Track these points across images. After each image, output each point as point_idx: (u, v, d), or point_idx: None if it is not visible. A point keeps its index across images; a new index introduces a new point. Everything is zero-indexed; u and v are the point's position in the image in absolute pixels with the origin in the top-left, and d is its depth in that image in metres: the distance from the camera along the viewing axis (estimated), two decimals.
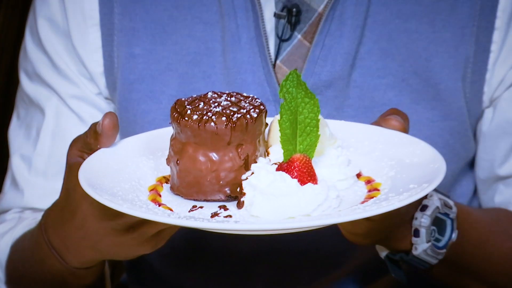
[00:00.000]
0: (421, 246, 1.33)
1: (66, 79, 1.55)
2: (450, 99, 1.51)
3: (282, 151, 1.14)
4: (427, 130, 1.49)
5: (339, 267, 1.57)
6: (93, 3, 1.55)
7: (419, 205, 1.32)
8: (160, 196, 1.17)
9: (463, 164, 1.57)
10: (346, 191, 1.14)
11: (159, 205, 1.13)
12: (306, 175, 1.09)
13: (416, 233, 1.33)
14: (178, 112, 1.15)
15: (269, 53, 1.50)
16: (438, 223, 1.35)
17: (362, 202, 1.13)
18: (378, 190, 1.16)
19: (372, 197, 1.14)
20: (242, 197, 1.11)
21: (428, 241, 1.32)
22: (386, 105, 1.43)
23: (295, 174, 1.09)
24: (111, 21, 1.54)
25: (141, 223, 1.18)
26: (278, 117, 1.17)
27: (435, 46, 1.50)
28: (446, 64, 1.50)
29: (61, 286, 1.41)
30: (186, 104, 1.16)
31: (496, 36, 1.51)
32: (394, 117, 1.26)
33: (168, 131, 1.23)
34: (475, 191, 1.63)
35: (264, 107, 1.18)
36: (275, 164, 1.14)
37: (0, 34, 2.47)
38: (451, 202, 1.35)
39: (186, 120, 1.13)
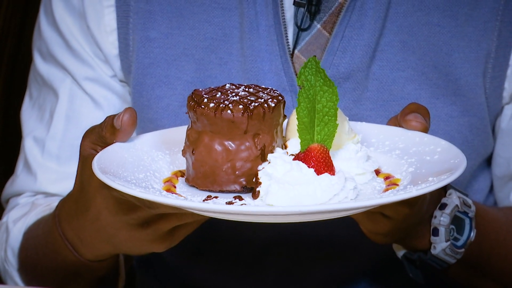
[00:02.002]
0: (440, 245, 1.32)
1: (80, 61, 1.54)
2: (470, 95, 1.49)
3: (300, 140, 1.13)
4: (446, 125, 1.49)
5: (352, 260, 1.56)
6: None
7: (438, 203, 1.31)
8: (175, 187, 1.16)
9: (481, 161, 1.56)
10: (364, 186, 1.13)
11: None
12: (323, 165, 1.08)
13: (435, 232, 1.32)
14: (194, 101, 1.13)
15: (288, 42, 1.48)
16: (457, 222, 1.34)
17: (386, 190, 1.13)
18: (397, 185, 1.15)
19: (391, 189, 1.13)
20: (257, 186, 1.10)
21: (447, 240, 1.31)
22: (405, 98, 1.44)
23: (312, 163, 1.08)
24: (127, 3, 1.52)
25: (156, 219, 1.17)
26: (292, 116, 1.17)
27: (456, 41, 1.49)
28: (467, 59, 1.49)
29: (74, 277, 1.40)
30: (203, 93, 1.15)
31: None
32: (414, 116, 1.24)
33: (185, 129, 1.23)
34: (491, 188, 1.61)
35: (283, 98, 1.16)
36: (292, 155, 1.13)
37: (4, 20, 2.49)
38: (470, 201, 1.34)
39: (202, 108, 1.11)
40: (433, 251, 1.32)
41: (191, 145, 1.14)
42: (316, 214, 1.05)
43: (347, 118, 1.16)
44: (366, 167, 1.14)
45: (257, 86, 1.19)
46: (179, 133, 1.25)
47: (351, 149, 1.15)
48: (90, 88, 1.54)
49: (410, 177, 1.15)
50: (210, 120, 1.11)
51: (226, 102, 1.12)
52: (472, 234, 1.35)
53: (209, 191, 1.14)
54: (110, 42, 1.52)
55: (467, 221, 1.35)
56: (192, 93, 1.16)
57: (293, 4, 1.45)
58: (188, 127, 1.16)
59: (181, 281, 1.63)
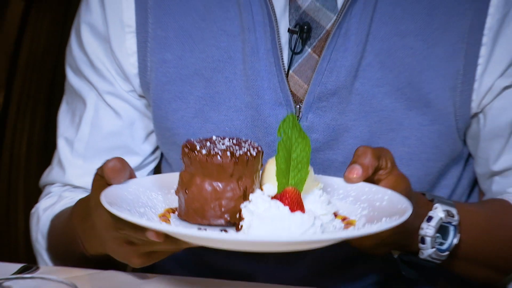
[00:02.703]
0: (426, 252, 1.41)
1: (103, 78, 1.63)
2: (439, 106, 1.56)
3: (276, 185, 1.21)
4: (418, 132, 1.56)
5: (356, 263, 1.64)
6: (130, 14, 1.61)
7: (426, 216, 1.40)
8: (169, 220, 1.25)
9: (448, 161, 1.63)
10: (327, 224, 1.21)
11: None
12: (297, 205, 1.16)
13: (423, 241, 1.41)
14: (189, 148, 1.22)
15: (283, 63, 1.55)
16: (442, 230, 1.43)
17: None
18: (354, 225, 1.24)
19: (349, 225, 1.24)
20: (241, 221, 1.18)
21: (432, 247, 1.40)
22: (383, 110, 1.54)
23: (287, 202, 1.16)
24: (145, 29, 1.60)
25: (137, 241, 1.25)
26: (271, 160, 1.24)
27: (428, 60, 1.56)
28: (437, 76, 1.56)
29: (85, 261, 1.49)
30: (195, 142, 1.24)
31: (483, 51, 1.56)
32: (350, 171, 1.32)
33: (172, 175, 1.32)
34: (457, 181, 1.69)
35: (262, 149, 1.25)
36: (268, 195, 1.20)
37: (47, 34, 2.61)
38: (454, 211, 1.42)
39: (196, 153, 1.20)
40: (421, 256, 1.41)
41: (185, 185, 1.22)
42: (291, 245, 1.15)
43: (312, 168, 1.25)
44: (328, 209, 1.22)
45: (239, 138, 1.28)
46: (168, 178, 1.35)
47: (316, 194, 1.23)
48: (110, 100, 1.64)
49: (365, 219, 1.24)
50: (202, 164, 1.20)
51: (215, 149, 1.21)
52: (455, 240, 1.44)
53: (199, 224, 1.22)
54: (131, 63, 1.61)
55: (451, 228, 1.43)
56: (186, 142, 1.25)
57: (288, 31, 1.54)
58: (181, 170, 1.24)
59: (195, 259, 1.70)
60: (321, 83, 1.52)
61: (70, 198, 1.61)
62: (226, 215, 1.21)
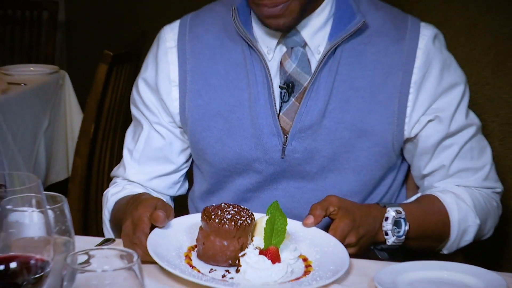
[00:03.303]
0: (390, 240, 1.58)
1: (153, 114, 1.76)
2: (381, 135, 1.66)
3: (263, 242, 1.35)
4: (365, 152, 1.67)
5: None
6: (175, 73, 1.72)
7: (383, 217, 1.57)
8: (191, 259, 1.37)
9: (386, 170, 1.74)
10: (295, 265, 1.36)
11: (191, 266, 1.34)
12: (275, 258, 1.32)
13: (386, 233, 1.58)
14: (206, 216, 1.37)
15: (276, 108, 1.65)
16: (396, 223, 1.58)
17: (306, 272, 1.35)
18: (311, 266, 1.38)
19: (309, 271, 1.36)
20: (239, 267, 1.33)
21: (393, 236, 1.58)
22: (342, 138, 1.65)
23: (269, 257, 1.32)
24: (185, 84, 1.71)
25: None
26: (261, 218, 1.39)
27: (373, 105, 1.65)
28: (379, 115, 1.65)
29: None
30: (210, 210, 1.38)
31: (410, 98, 1.65)
32: (306, 220, 1.48)
33: (192, 217, 1.50)
34: (392, 182, 1.78)
35: (254, 217, 1.40)
36: (258, 248, 1.34)
37: (122, 86, 2.79)
38: (400, 209, 1.59)
39: (211, 221, 1.35)
40: (388, 243, 1.58)
41: (203, 239, 1.37)
42: None
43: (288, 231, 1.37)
44: (294, 254, 1.38)
45: (240, 206, 1.41)
46: (192, 219, 1.49)
47: (288, 244, 1.38)
48: (157, 128, 1.76)
49: (318, 263, 1.38)
50: (215, 229, 1.35)
51: (224, 219, 1.35)
52: (406, 227, 1.58)
53: (211, 265, 1.36)
54: (174, 106, 1.72)
55: (402, 221, 1.58)
56: (204, 209, 1.39)
57: (279, 87, 1.65)
58: (200, 227, 1.38)
59: None
60: (300, 121, 1.64)
61: (129, 190, 1.75)
62: (229, 261, 1.36)
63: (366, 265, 1.46)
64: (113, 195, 1.77)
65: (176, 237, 1.45)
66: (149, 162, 1.79)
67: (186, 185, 1.89)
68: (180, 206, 1.91)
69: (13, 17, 3.84)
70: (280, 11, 1.55)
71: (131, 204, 1.55)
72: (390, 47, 1.65)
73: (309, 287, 1.29)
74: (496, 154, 1.75)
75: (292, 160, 1.68)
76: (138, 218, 1.43)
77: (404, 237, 1.59)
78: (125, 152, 1.83)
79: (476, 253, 1.80)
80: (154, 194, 1.76)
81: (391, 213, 1.58)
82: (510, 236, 2.21)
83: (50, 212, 1.03)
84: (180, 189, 1.86)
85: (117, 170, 1.84)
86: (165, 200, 1.69)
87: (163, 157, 1.79)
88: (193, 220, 1.49)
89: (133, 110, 1.82)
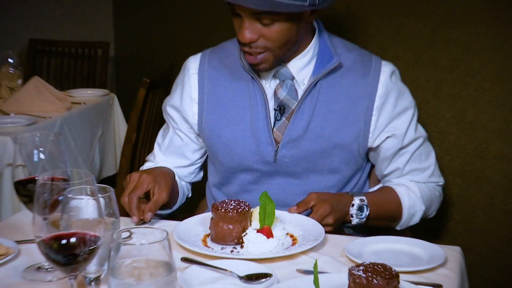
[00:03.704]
0: (354, 221, 1.61)
1: (175, 123, 1.75)
2: (349, 146, 1.65)
3: (259, 223, 1.36)
4: (337, 158, 1.65)
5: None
6: (195, 93, 1.70)
7: (350, 204, 1.59)
8: (206, 243, 1.38)
9: (354, 171, 1.72)
10: (284, 240, 1.35)
11: (207, 246, 1.35)
12: (269, 234, 1.33)
13: (351, 216, 1.60)
14: (215, 208, 1.38)
15: (271, 124, 1.63)
16: (360, 208, 1.60)
17: (293, 243, 1.36)
18: (296, 239, 1.39)
19: (295, 243, 1.37)
20: (243, 243, 1.35)
21: (357, 218, 1.60)
22: (320, 148, 1.63)
23: (264, 233, 1.33)
24: (202, 102, 1.69)
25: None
26: (256, 208, 1.38)
27: (345, 124, 1.63)
28: (349, 132, 1.63)
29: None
30: (217, 204, 1.39)
31: (373, 119, 1.63)
32: (294, 209, 1.51)
33: (204, 215, 1.48)
34: (359, 179, 1.75)
35: (250, 206, 1.40)
36: (255, 229, 1.36)
37: (156, 105, 2.71)
38: (363, 197, 1.61)
39: (218, 211, 1.37)
40: (353, 223, 1.60)
41: (214, 226, 1.38)
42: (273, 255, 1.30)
43: (275, 212, 1.37)
44: (283, 232, 1.36)
45: (239, 200, 1.41)
46: (205, 217, 1.47)
47: (277, 225, 1.39)
48: (178, 132, 1.76)
49: (302, 238, 1.39)
50: (222, 216, 1.36)
51: (228, 209, 1.37)
52: (367, 212, 1.61)
53: (221, 245, 1.36)
54: (194, 118, 1.71)
55: (364, 207, 1.60)
56: (212, 205, 1.40)
57: (274, 109, 1.63)
58: (211, 218, 1.39)
59: None
60: (288, 135, 1.63)
61: (154, 164, 1.77)
62: (235, 240, 1.37)
63: (338, 239, 1.45)
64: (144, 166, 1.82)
65: (194, 228, 1.44)
66: (171, 155, 1.79)
67: (201, 175, 1.87)
68: (201, 192, 1.91)
69: (75, 54, 3.83)
70: (258, 60, 1.55)
71: (155, 168, 1.64)
72: (358, 80, 1.64)
73: (295, 252, 1.31)
74: (436, 156, 1.77)
75: (282, 164, 1.67)
76: (141, 183, 1.50)
77: (365, 219, 1.61)
78: (156, 145, 1.82)
79: (421, 229, 1.78)
80: (177, 179, 1.77)
81: (356, 200, 1.60)
82: (447, 217, 2.19)
83: (101, 200, 1.03)
84: (195, 178, 1.85)
85: (149, 156, 1.84)
86: (183, 184, 1.78)
87: (181, 154, 1.79)
88: (206, 216, 1.48)
89: (164, 117, 1.81)
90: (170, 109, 1.77)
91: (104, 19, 4.11)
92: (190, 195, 1.85)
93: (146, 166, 1.80)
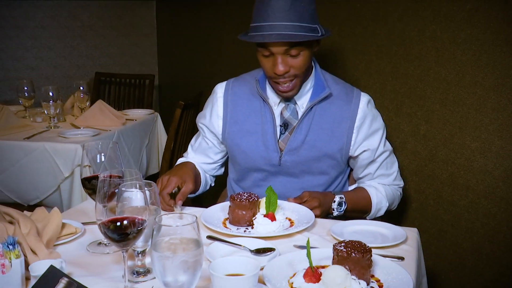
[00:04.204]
0: (335, 213, 1.57)
1: (204, 132, 1.72)
2: (335, 155, 1.60)
3: (265, 210, 1.34)
4: (326, 164, 1.61)
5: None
6: (221, 111, 1.65)
7: (332, 201, 1.55)
8: (226, 224, 1.36)
9: (338, 173, 1.67)
10: (284, 222, 1.34)
11: (226, 227, 1.32)
12: (273, 218, 1.32)
13: (333, 209, 1.57)
14: (233, 198, 1.36)
15: (277, 137, 1.59)
16: (339, 204, 1.56)
17: (291, 225, 1.34)
18: (293, 222, 1.36)
19: (292, 224, 1.35)
20: (253, 225, 1.33)
21: (337, 211, 1.57)
22: (313, 156, 1.59)
23: (269, 218, 1.32)
24: (226, 118, 1.65)
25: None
26: (262, 200, 1.36)
27: (332, 139, 1.58)
28: (335, 145, 1.59)
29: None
30: (234, 196, 1.36)
31: (353, 136, 1.59)
32: (292, 199, 1.48)
33: (226, 205, 1.42)
34: (341, 180, 1.69)
35: (258, 197, 1.37)
36: (262, 214, 1.33)
37: (190, 121, 2.69)
38: (343, 195, 1.58)
39: (235, 201, 1.35)
40: (334, 214, 1.57)
41: (231, 212, 1.36)
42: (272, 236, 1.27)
43: (277, 201, 1.34)
44: (283, 216, 1.35)
45: (250, 192, 1.38)
46: (224, 206, 1.45)
47: (279, 211, 1.36)
48: (205, 139, 1.72)
49: (297, 220, 1.36)
50: (238, 204, 1.34)
51: (242, 198, 1.34)
52: (345, 207, 1.57)
53: (237, 226, 1.34)
54: (218, 131, 1.67)
55: (343, 203, 1.57)
56: (230, 196, 1.36)
57: (279, 126, 1.59)
58: (229, 206, 1.37)
59: None
60: (290, 145, 1.59)
61: (185, 159, 1.75)
62: (247, 223, 1.34)
63: (325, 222, 1.43)
64: (188, 159, 1.77)
65: (217, 214, 1.41)
66: (199, 154, 1.75)
67: (221, 170, 1.83)
68: (222, 184, 1.88)
69: (129, 83, 3.80)
70: (288, 87, 1.50)
71: (181, 164, 1.63)
72: (343, 106, 1.59)
73: (293, 231, 1.29)
74: (398, 165, 1.75)
75: (285, 166, 1.63)
76: (170, 183, 1.46)
77: (343, 212, 1.58)
78: (189, 145, 1.79)
79: (387, 215, 1.73)
80: (201, 171, 1.74)
81: (337, 198, 1.57)
82: (407, 205, 2.14)
83: (147, 192, 1.01)
84: (216, 172, 1.81)
85: (184, 154, 1.81)
86: (207, 176, 1.73)
87: (206, 154, 1.75)
88: (225, 205, 1.45)
89: (198, 126, 1.76)
90: (201, 121, 1.73)
91: (150, 57, 4.22)
92: (213, 185, 1.81)
93: (180, 160, 1.77)
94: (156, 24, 4.06)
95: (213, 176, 1.83)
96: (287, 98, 1.57)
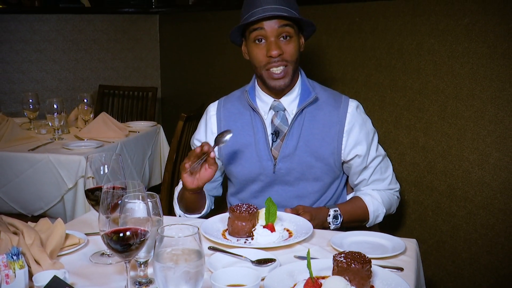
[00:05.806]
0: (332, 227, 1.57)
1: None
2: (327, 160, 1.60)
3: (265, 221, 1.33)
4: (319, 170, 1.60)
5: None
6: (215, 128, 1.66)
7: (327, 215, 1.55)
8: (225, 235, 1.34)
9: (333, 179, 1.66)
10: (283, 233, 1.33)
11: (226, 238, 1.31)
12: (272, 229, 1.31)
13: (329, 223, 1.56)
14: (231, 210, 1.35)
15: (269, 145, 1.60)
16: (335, 217, 1.56)
17: (289, 236, 1.32)
18: (292, 233, 1.35)
19: (291, 235, 1.33)
20: (253, 236, 1.32)
21: (333, 224, 1.56)
22: (306, 161, 1.59)
23: (269, 228, 1.31)
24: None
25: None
26: (262, 210, 1.35)
27: (323, 143, 1.59)
28: (327, 149, 1.59)
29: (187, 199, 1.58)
30: (233, 207, 1.34)
31: (344, 140, 1.59)
32: (289, 209, 1.48)
33: (224, 216, 1.40)
34: (337, 187, 1.68)
35: (257, 208, 1.35)
36: (262, 225, 1.33)
37: (190, 133, 2.67)
38: (337, 208, 1.57)
39: (234, 212, 1.34)
40: (331, 228, 1.56)
41: (230, 224, 1.34)
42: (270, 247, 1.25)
43: (277, 212, 1.33)
44: (281, 227, 1.35)
45: (248, 203, 1.36)
46: (223, 217, 1.42)
47: (277, 222, 1.36)
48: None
49: (296, 232, 1.34)
50: (237, 216, 1.33)
51: (242, 210, 1.33)
52: (341, 219, 1.56)
53: (237, 238, 1.32)
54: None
55: (339, 215, 1.56)
56: (229, 207, 1.34)
57: (271, 134, 1.60)
58: (228, 217, 1.36)
59: None
60: (283, 152, 1.60)
61: None
62: (247, 234, 1.33)
63: (325, 232, 1.42)
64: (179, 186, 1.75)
65: (216, 225, 1.40)
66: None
67: (220, 190, 1.82)
68: (222, 202, 1.87)
69: (132, 95, 3.80)
70: (281, 74, 1.52)
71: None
72: (332, 111, 1.60)
73: (293, 242, 1.27)
74: (393, 169, 1.74)
75: (279, 174, 1.63)
76: (189, 155, 1.43)
77: (340, 224, 1.57)
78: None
79: (386, 225, 1.77)
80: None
81: (331, 212, 1.57)
82: (406, 216, 2.13)
83: (149, 203, 1.01)
84: (216, 192, 1.80)
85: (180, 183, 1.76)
86: (207, 200, 1.67)
87: None
88: (224, 216, 1.43)
89: (192, 147, 1.75)
90: (196, 141, 1.74)
91: (153, 70, 4.23)
92: (213, 207, 1.78)
93: (180, 184, 1.70)
94: (159, 38, 4.06)
95: (212, 196, 1.81)
96: (279, 90, 1.56)
